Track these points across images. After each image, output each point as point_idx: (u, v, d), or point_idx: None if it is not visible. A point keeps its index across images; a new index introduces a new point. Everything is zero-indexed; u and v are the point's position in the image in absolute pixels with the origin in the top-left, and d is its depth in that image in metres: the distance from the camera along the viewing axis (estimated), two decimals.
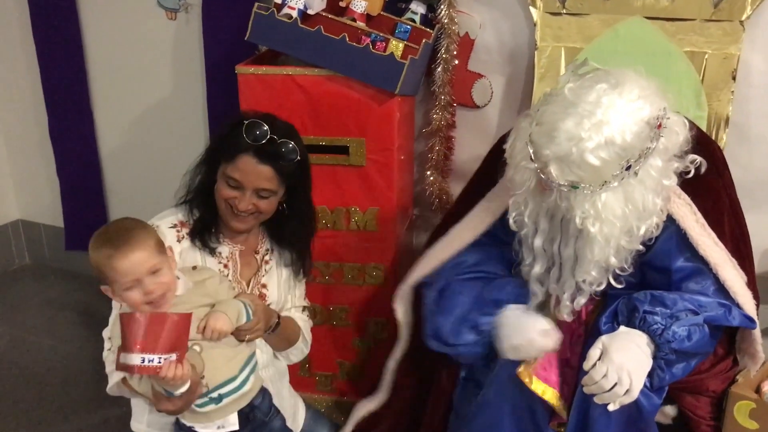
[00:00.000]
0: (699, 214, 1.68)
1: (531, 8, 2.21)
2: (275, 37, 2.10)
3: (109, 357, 1.70)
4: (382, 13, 2.22)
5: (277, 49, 2.18)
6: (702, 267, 1.65)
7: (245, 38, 2.13)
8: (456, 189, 2.53)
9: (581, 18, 2.15)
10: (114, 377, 1.64)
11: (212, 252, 1.77)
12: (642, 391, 1.56)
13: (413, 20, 2.23)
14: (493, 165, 1.85)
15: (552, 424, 1.72)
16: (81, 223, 3.25)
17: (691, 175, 1.59)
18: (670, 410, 1.77)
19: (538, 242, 1.66)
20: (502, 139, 1.76)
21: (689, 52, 2.06)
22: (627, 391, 1.47)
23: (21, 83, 3.16)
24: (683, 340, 1.54)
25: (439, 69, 2.30)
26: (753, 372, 1.78)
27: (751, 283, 1.75)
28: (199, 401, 1.57)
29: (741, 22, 2.02)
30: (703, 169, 1.59)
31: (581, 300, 1.68)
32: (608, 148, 1.44)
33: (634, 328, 1.56)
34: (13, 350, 2.81)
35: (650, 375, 1.56)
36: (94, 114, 3.05)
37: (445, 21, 2.23)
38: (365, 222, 2.22)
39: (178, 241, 1.73)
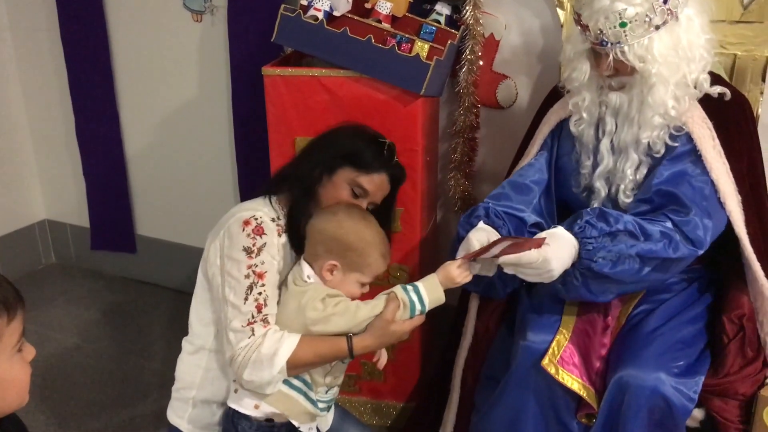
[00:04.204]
0: (717, 142, 1.75)
1: (558, 9, 2.20)
2: (301, 39, 2.12)
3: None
4: (407, 14, 2.23)
5: (303, 50, 2.19)
6: (676, 193, 1.70)
7: (271, 40, 2.15)
8: (479, 191, 2.53)
9: None
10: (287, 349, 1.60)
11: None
12: (676, 388, 1.59)
13: (438, 21, 2.24)
14: (543, 112, 2.01)
15: (579, 415, 1.73)
16: (106, 223, 3.29)
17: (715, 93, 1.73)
18: (698, 413, 1.75)
19: (605, 143, 1.79)
20: (545, 102, 2.03)
21: (718, 53, 2.04)
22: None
23: (48, 84, 3.20)
24: (605, 264, 1.62)
25: (463, 70, 2.30)
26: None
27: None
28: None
29: None
30: (727, 98, 1.75)
31: (643, 170, 1.78)
32: None
33: (572, 233, 1.64)
34: (39, 348, 2.79)
35: (564, 281, 1.65)
36: (120, 115, 3.09)
37: (470, 22, 2.24)
38: None
39: (279, 235, 1.71)
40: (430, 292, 1.62)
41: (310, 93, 2.13)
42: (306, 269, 1.65)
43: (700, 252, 1.69)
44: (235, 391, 1.69)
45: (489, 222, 1.77)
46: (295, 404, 1.67)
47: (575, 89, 1.79)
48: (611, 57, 1.66)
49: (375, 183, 1.75)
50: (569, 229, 1.66)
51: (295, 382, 1.66)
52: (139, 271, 3.34)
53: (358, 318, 1.61)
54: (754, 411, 1.74)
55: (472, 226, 1.76)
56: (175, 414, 1.82)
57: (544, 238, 1.61)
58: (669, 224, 1.67)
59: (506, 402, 1.76)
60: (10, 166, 3.32)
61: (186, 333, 1.85)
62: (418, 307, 1.62)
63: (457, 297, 2.25)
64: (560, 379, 1.66)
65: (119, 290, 3.31)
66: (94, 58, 2.99)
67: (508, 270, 1.62)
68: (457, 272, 1.62)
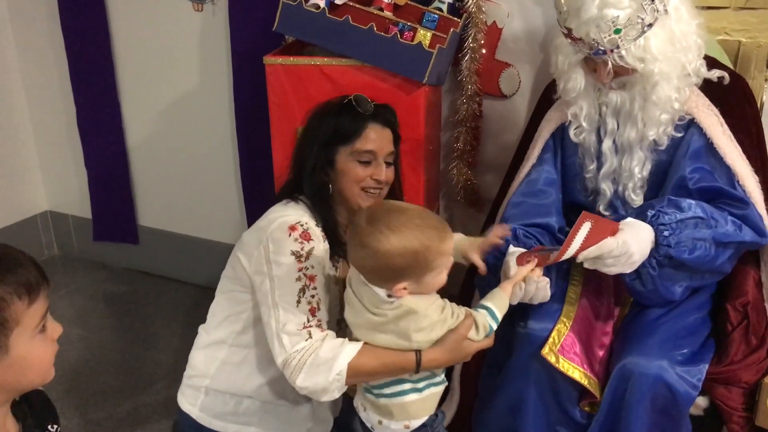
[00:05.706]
0: (726, 127, 1.75)
1: None
2: (303, 28, 2.11)
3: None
4: (409, 2, 2.22)
5: (305, 39, 2.18)
6: (720, 186, 1.72)
7: (273, 29, 2.14)
8: (482, 180, 2.52)
9: None
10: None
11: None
12: (680, 376, 1.59)
13: (441, 9, 2.23)
14: (539, 117, 1.98)
15: (582, 403, 1.73)
16: (109, 214, 3.28)
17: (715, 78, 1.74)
18: (702, 401, 1.75)
19: (607, 144, 1.78)
20: (543, 95, 2.01)
21: (722, 41, 2.03)
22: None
23: (49, 75, 3.19)
24: (684, 251, 1.61)
25: (466, 58, 2.29)
26: None
27: None
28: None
29: None
30: (725, 81, 1.75)
31: (648, 166, 1.78)
32: None
33: (646, 222, 1.63)
34: None
35: (639, 271, 1.63)
36: (122, 106, 3.08)
37: (473, 10, 2.22)
38: None
39: (324, 240, 1.67)
40: (501, 310, 1.56)
41: (312, 82, 2.12)
42: (380, 291, 1.46)
43: (766, 241, 1.72)
44: (379, 422, 1.56)
45: (519, 244, 1.74)
46: (432, 399, 1.59)
47: (572, 99, 1.77)
48: (610, 64, 1.64)
49: (371, 138, 1.70)
50: (640, 218, 1.64)
51: (421, 384, 1.55)
52: (141, 261, 3.34)
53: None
54: (757, 399, 1.74)
55: (503, 252, 1.73)
56: (186, 401, 1.80)
57: (618, 224, 1.60)
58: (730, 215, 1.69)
59: (507, 390, 1.77)
60: (12, 158, 3.32)
61: (192, 323, 1.84)
62: (493, 329, 1.55)
63: (459, 285, 2.25)
64: (560, 368, 1.66)
65: (122, 281, 3.31)
66: (94, 49, 2.98)
67: (587, 265, 1.60)
68: (535, 272, 1.59)
